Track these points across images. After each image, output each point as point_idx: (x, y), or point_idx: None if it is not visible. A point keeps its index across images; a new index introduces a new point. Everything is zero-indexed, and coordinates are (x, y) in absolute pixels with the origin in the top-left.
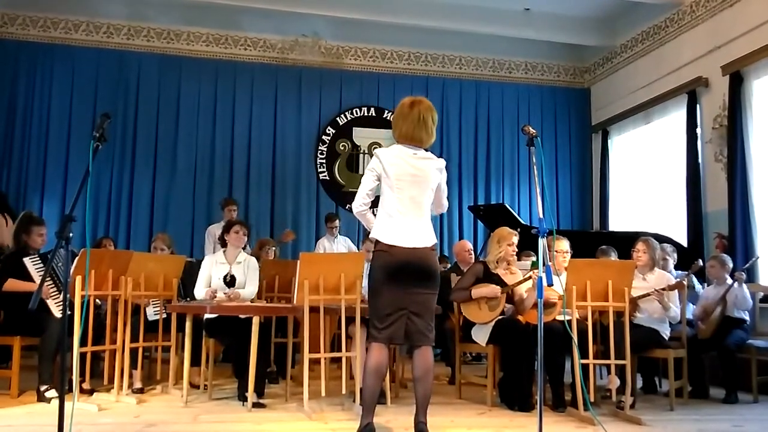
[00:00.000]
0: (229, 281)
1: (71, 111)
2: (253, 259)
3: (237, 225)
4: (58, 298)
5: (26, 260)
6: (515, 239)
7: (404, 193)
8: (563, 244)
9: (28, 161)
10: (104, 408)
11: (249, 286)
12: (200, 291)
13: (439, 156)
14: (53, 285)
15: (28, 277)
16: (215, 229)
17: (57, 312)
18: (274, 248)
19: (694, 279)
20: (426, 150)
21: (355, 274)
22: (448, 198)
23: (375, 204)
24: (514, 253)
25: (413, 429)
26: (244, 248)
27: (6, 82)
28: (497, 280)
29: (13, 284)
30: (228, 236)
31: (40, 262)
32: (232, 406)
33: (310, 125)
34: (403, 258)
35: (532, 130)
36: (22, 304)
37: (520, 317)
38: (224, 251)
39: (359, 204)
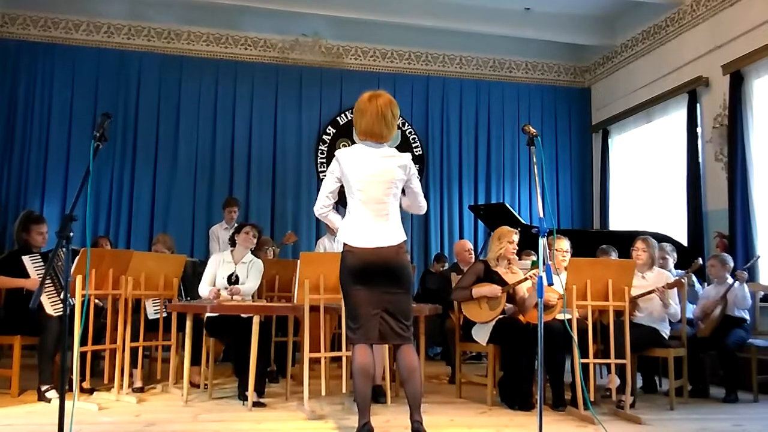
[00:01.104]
0: (234, 281)
1: (72, 111)
2: (259, 261)
3: (248, 227)
4: (54, 296)
5: (25, 258)
6: (516, 237)
7: (366, 194)
8: (563, 244)
9: (28, 161)
10: (104, 407)
11: (248, 282)
12: (204, 289)
13: (440, 156)
14: (50, 283)
15: (26, 276)
16: (218, 229)
17: (50, 310)
18: (273, 248)
19: (694, 278)
20: (390, 146)
21: None
22: (447, 197)
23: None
24: (515, 251)
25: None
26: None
27: (6, 82)
28: (498, 279)
29: (1, 281)
30: (238, 237)
31: (40, 260)
32: (232, 405)
33: (311, 125)
34: (367, 259)
35: (532, 130)
36: (20, 302)
37: (521, 317)
38: (232, 251)
39: (320, 206)
